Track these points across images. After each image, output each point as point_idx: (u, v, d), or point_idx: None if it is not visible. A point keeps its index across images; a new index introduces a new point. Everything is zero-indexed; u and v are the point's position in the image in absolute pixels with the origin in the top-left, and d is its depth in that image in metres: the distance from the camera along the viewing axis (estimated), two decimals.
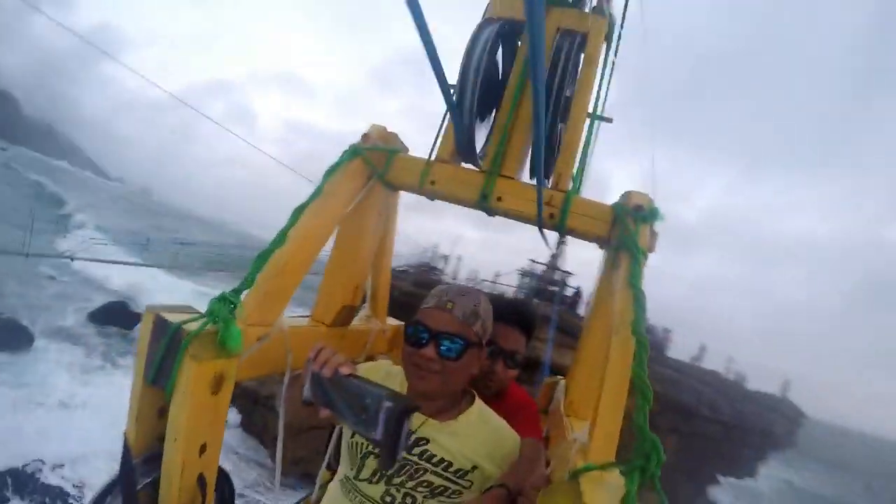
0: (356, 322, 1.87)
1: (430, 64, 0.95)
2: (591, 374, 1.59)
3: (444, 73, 1.02)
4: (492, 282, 24.27)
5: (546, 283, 22.19)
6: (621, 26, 1.90)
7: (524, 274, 23.86)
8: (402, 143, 1.76)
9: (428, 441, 1.37)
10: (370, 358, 1.95)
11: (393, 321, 2.08)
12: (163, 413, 1.29)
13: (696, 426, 16.50)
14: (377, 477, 1.37)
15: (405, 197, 1.87)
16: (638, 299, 1.29)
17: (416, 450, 1.36)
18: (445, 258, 27.33)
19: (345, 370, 1.08)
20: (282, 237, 1.44)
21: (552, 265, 22.27)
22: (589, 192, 1.70)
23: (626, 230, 1.45)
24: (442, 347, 1.28)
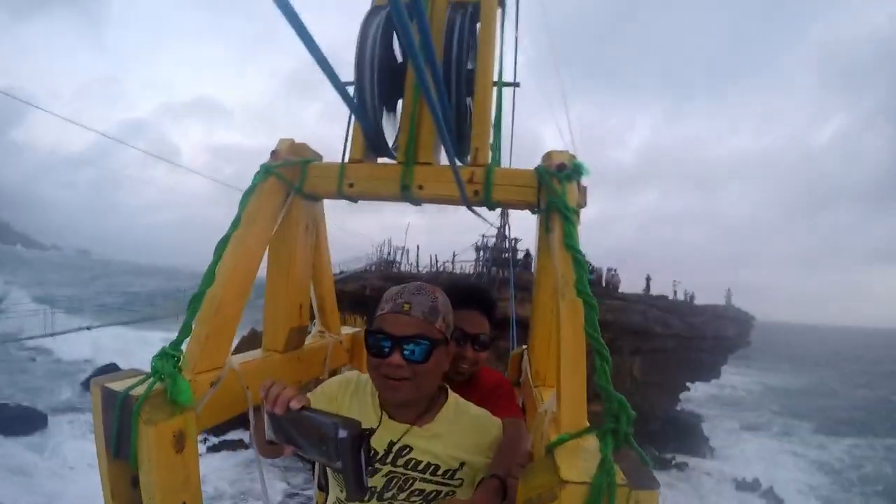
0: (310, 340, 1.83)
1: (319, 66, 0.88)
2: (548, 341, 1.60)
3: (335, 73, 0.96)
4: (451, 263, 25.32)
5: (500, 253, 22.93)
6: None
7: (478, 248, 24.62)
8: (313, 151, 1.70)
9: (411, 449, 1.35)
10: (334, 372, 1.92)
11: (348, 329, 2.05)
12: (136, 482, 1.24)
13: (655, 343, 18.77)
14: (368, 496, 1.35)
15: (343, 202, 1.78)
16: (577, 260, 1.28)
17: (401, 460, 1.35)
18: (403, 249, 27.68)
19: (295, 405, 1.04)
20: (210, 276, 1.38)
21: (500, 235, 22.83)
22: (524, 160, 1.68)
23: (553, 192, 1.44)
24: (406, 352, 1.25)
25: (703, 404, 31.87)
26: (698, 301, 23.74)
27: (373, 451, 1.36)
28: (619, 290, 21.37)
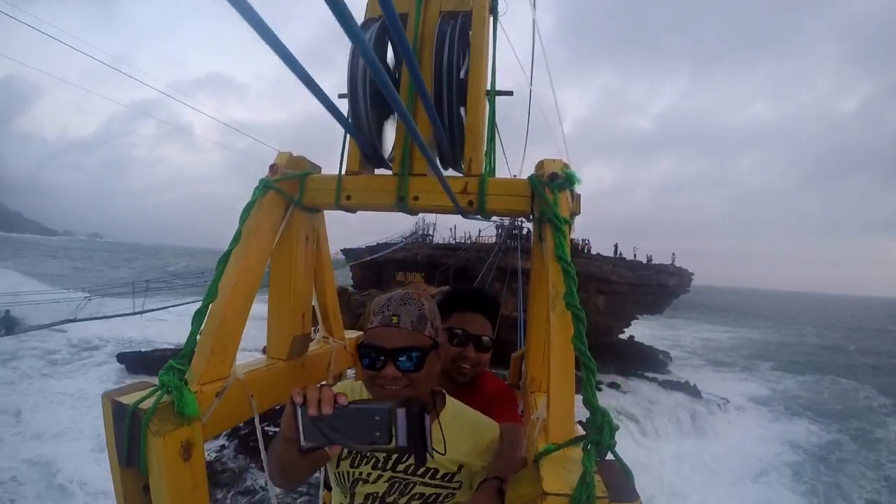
0: (314, 346, 1.88)
1: (306, 87, 0.85)
2: (542, 347, 1.63)
3: (323, 93, 0.94)
4: (477, 237, 30.32)
5: (513, 229, 26.39)
6: None
7: (498, 227, 27.81)
8: (311, 163, 1.74)
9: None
10: (339, 376, 1.98)
11: (351, 333, 2.10)
12: (147, 489, 1.31)
13: (613, 288, 27.17)
14: (370, 501, 1.41)
15: None
16: (567, 272, 1.31)
17: (402, 466, 1.40)
18: (433, 226, 34.32)
19: (343, 400, 1.03)
20: (213, 291, 1.43)
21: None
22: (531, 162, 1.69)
23: (545, 202, 1.46)
24: (400, 363, 1.28)
25: (684, 351, 39.66)
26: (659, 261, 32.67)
27: (375, 458, 1.41)
28: (592, 252, 28.62)
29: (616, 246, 30.72)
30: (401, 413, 1.01)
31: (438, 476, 1.40)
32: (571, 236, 1.53)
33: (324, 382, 1.94)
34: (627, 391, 23.24)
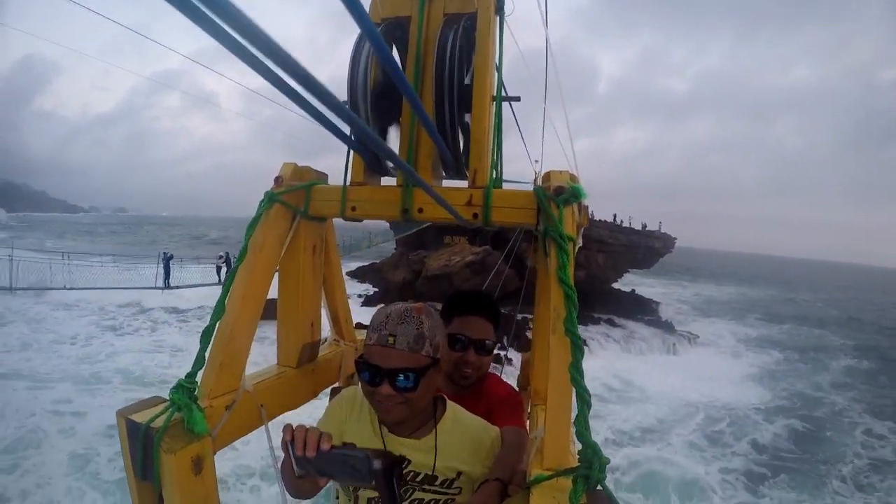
0: (325, 349, 1.92)
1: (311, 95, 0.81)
2: (545, 363, 1.63)
3: (321, 114, 0.91)
4: None
5: None
6: None
7: None
8: (317, 172, 1.73)
9: (409, 461, 1.43)
10: (349, 378, 2.01)
11: (362, 333, 2.13)
12: (162, 500, 1.38)
13: (610, 248, 35.28)
14: None
15: None
16: (568, 296, 1.29)
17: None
18: None
19: (325, 445, 1.14)
20: (221, 307, 1.46)
21: None
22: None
23: (550, 218, 1.43)
24: (397, 384, 1.30)
25: (681, 303, 48.25)
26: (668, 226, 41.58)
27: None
28: (592, 219, 33.17)
29: (615, 216, 39.68)
30: (376, 463, 1.12)
31: (437, 483, 1.44)
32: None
33: (335, 385, 1.98)
34: (619, 325, 30.85)
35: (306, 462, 1.14)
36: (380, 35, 0.84)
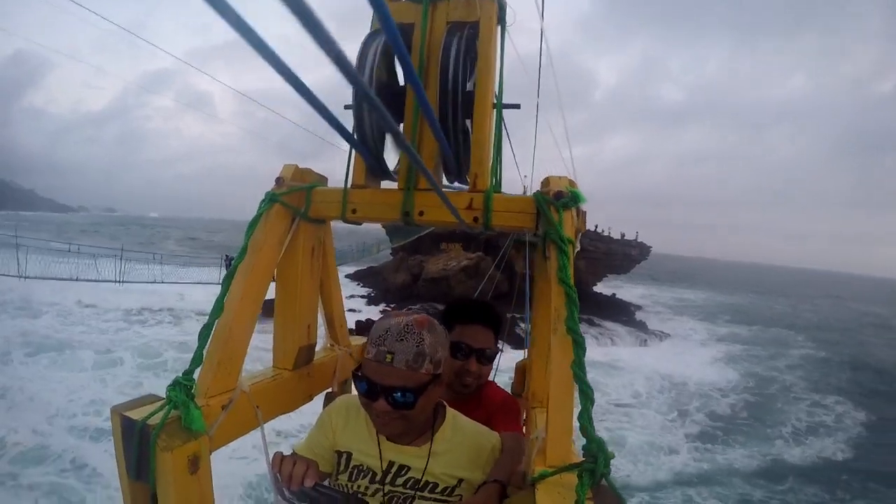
0: (320, 354, 1.91)
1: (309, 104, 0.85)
2: (544, 365, 1.64)
3: (328, 111, 0.93)
4: None
5: None
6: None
7: None
8: (318, 175, 1.74)
9: (409, 468, 1.42)
10: (344, 384, 2.00)
11: (357, 339, 2.12)
12: (156, 500, 1.35)
13: (590, 254, 39.41)
14: None
15: None
16: (570, 296, 1.31)
17: (400, 479, 1.42)
18: None
19: (308, 482, 1.23)
20: (219, 307, 1.45)
21: None
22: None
23: (549, 221, 1.46)
24: (393, 401, 1.28)
25: (658, 305, 52.46)
26: (656, 233, 48.40)
27: (371, 472, 1.45)
28: None
29: (596, 226, 44.26)
30: None
31: (438, 490, 1.43)
32: None
33: (330, 390, 1.97)
34: (597, 325, 34.07)
35: (290, 493, 1.25)
36: (399, 35, 0.87)
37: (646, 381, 22.52)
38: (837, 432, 18.80)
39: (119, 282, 24.92)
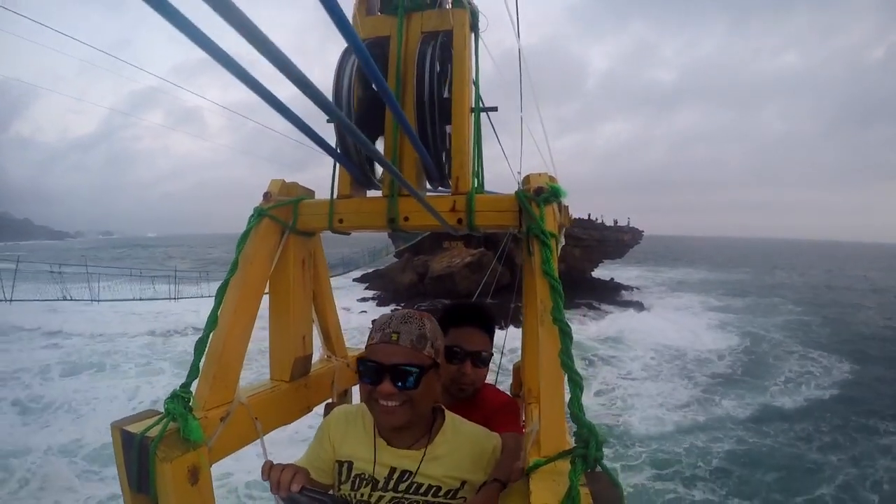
0: (317, 365, 1.93)
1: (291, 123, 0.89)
2: (535, 360, 1.66)
3: (310, 128, 0.96)
4: None
5: None
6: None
7: None
8: (304, 188, 1.78)
9: (412, 473, 1.42)
10: (342, 395, 2.02)
11: (354, 351, 2.14)
12: None
13: (584, 243, 40.26)
14: None
15: None
16: (554, 287, 1.34)
17: (403, 485, 1.42)
18: None
19: (295, 487, 1.28)
20: (213, 321, 1.48)
21: None
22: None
23: (532, 217, 1.49)
24: (398, 381, 1.32)
25: (656, 285, 54.55)
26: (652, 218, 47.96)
27: (373, 480, 1.45)
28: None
29: (589, 214, 45.61)
30: None
31: (441, 493, 1.42)
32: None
33: (328, 401, 1.98)
34: (596, 308, 35.22)
35: (281, 499, 1.31)
36: (366, 50, 0.92)
37: (648, 350, 23.86)
38: (824, 378, 20.95)
39: (174, 299, 27.25)
